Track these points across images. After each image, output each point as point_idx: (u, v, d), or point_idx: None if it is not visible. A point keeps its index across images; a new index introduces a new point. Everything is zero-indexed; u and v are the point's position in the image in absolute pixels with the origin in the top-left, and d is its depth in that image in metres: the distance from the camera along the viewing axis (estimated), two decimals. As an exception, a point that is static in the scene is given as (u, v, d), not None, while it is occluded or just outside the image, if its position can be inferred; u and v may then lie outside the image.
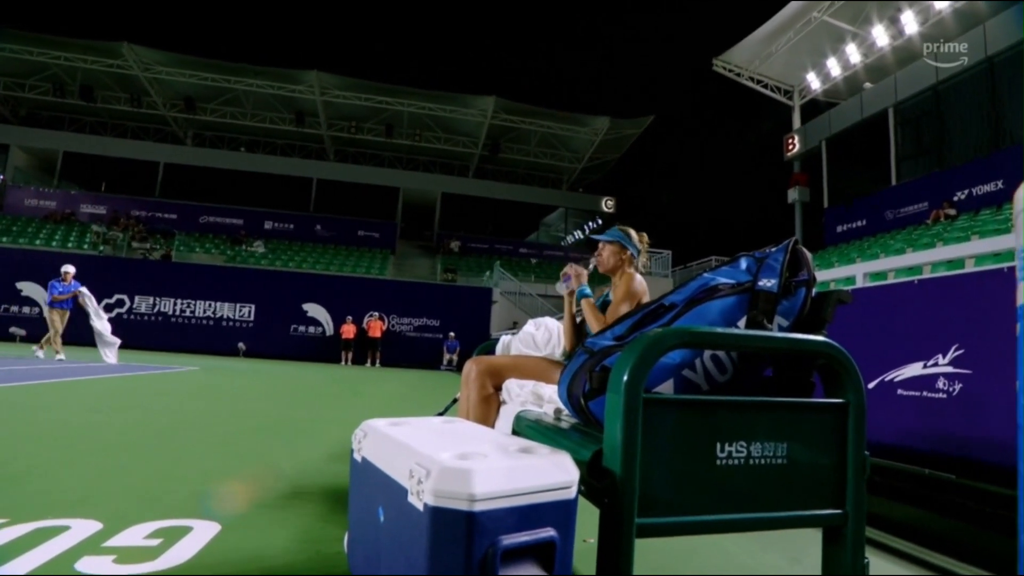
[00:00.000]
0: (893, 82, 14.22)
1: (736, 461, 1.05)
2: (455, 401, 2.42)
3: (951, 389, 2.60)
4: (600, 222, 27.01)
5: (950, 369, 2.62)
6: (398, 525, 0.93)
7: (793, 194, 17.90)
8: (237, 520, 1.60)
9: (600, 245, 2.12)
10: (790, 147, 18.12)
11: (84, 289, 8.56)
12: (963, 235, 8.37)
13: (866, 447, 1.14)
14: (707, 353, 1.18)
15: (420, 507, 0.84)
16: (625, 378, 0.99)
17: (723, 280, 1.36)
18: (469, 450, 0.95)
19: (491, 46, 44.97)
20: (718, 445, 1.04)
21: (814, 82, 17.44)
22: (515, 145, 24.98)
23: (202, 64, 20.55)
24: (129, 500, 1.71)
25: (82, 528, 1.42)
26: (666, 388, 1.17)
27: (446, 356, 15.55)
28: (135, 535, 1.41)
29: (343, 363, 15.07)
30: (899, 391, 2.75)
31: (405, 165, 25.50)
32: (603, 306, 2.04)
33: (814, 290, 1.31)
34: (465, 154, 25.21)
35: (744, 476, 1.05)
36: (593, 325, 1.88)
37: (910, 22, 13.84)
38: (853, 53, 15.64)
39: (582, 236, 28.52)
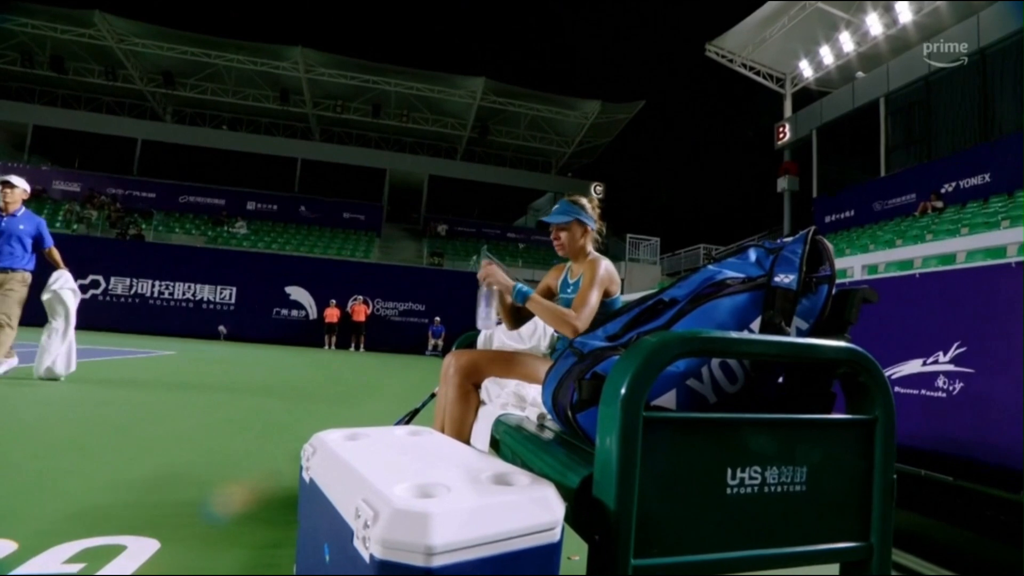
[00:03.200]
0: (886, 71, 14.11)
1: (749, 489, 0.90)
2: (433, 396, 2.25)
3: (952, 388, 2.49)
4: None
5: (951, 367, 2.51)
6: (344, 571, 0.76)
7: (782, 183, 17.84)
8: (179, 536, 1.42)
9: (554, 230, 1.86)
10: (781, 135, 18.01)
11: None
12: (953, 228, 8.34)
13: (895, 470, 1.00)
14: (715, 360, 1.02)
15: (366, 557, 0.67)
16: (623, 391, 0.82)
17: (731, 274, 1.19)
18: (431, 480, 0.78)
19: (481, 25, 44.09)
20: (729, 471, 0.89)
21: (807, 70, 17.28)
22: (504, 128, 24.58)
23: (181, 37, 19.75)
24: (59, 513, 1.52)
25: (-8, 550, 1.23)
26: (667, 400, 1.01)
27: (431, 341, 15.37)
28: (53, 558, 1.22)
29: (327, 347, 14.82)
30: (896, 389, 2.64)
31: (392, 146, 24.97)
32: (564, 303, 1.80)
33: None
34: (453, 136, 24.76)
35: (758, 507, 0.90)
36: (556, 323, 1.59)
37: (904, 11, 13.70)
38: (847, 41, 15.49)
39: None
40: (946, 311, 2.60)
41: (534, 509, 0.74)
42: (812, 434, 0.96)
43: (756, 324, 1.06)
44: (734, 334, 0.99)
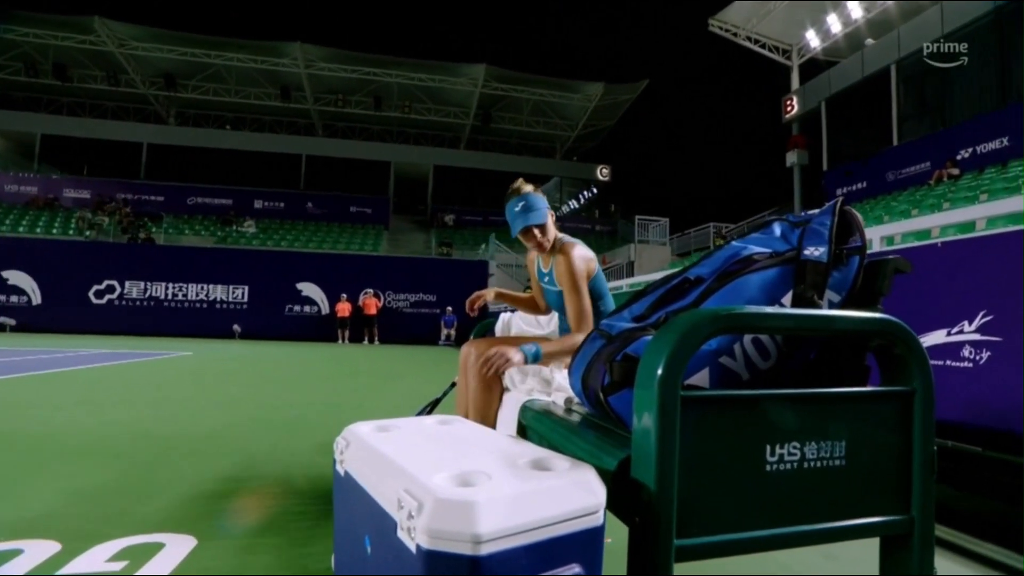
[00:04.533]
0: (896, 37, 13.75)
1: (789, 466, 0.89)
2: (453, 385, 2.26)
3: (978, 358, 2.45)
4: (595, 191, 26.64)
5: (977, 337, 2.46)
6: (387, 562, 0.76)
7: (792, 157, 17.55)
8: (215, 532, 1.44)
9: (535, 232, 1.66)
10: (788, 109, 17.67)
11: None
12: (971, 195, 8.15)
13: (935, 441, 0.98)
14: (748, 336, 1.00)
15: (412, 548, 0.67)
16: (660, 372, 0.81)
17: (757, 249, 1.17)
18: (470, 468, 0.78)
19: (480, 11, 43.54)
20: (768, 448, 0.87)
21: (813, 40, 16.89)
22: (507, 114, 24.38)
23: (179, 38, 19.75)
24: (96, 513, 1.54)
25: (36, 551, 1.26)
26: (700, 379, 1.00)
27: (444, 331, 15.43)
28: (97, 557, 1.25)
29: (340, 342, 14.95)
30: (922, 360, 2.60)
31: (395, 138, 24.91)
32: (554, 297, 1.76)
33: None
34: (456, 125, 24.62)
35: (797, 483, 0.89)
36: (573, 350, 1.45)
37: (914, -27, 13.30)
38: (855, 8, 15.09)
39: (577, 205, 28.17)
40: (971, 279, 2.55)
41: (577, 493, 0.74)
42: (850, 408, 0.94)
43: (787, 299, 1.04)
44: (768, 309, 0.97)
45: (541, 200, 1.69)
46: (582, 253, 1.67)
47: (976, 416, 2.41)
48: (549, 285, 1.78)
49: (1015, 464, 2.10)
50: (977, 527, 1.86)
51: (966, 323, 2.54)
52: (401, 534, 0.70)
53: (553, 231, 1.72)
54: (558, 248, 1.68)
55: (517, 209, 1.66)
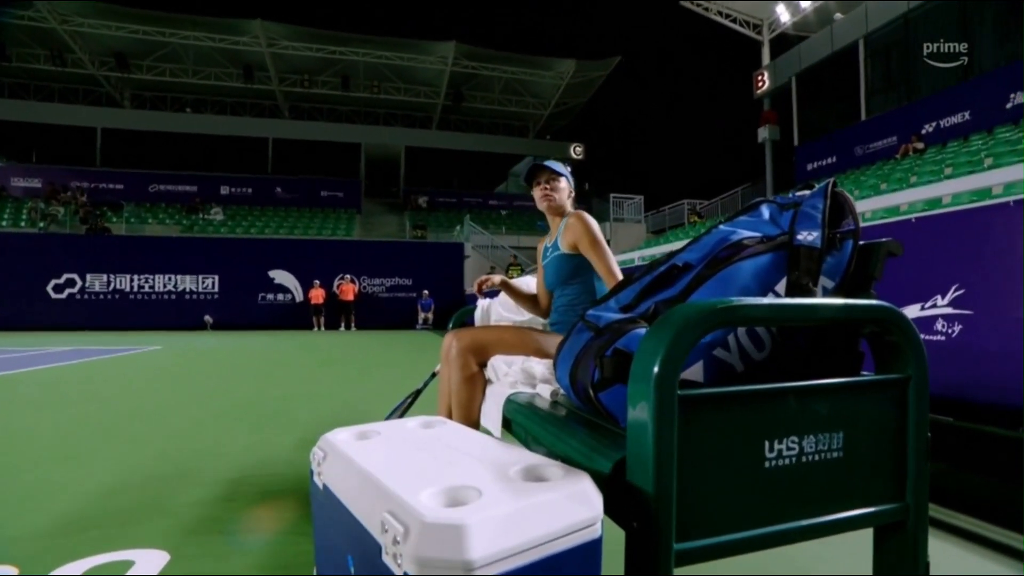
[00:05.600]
0: (864, 11, 13.88)
1: (787, 460, 0.86)
2: (434, 375, 2.20)
3: (951, 331, 2.50)
4: (570, 169, 26.51)
5: (950, 310, 2.51)
6: (372, 586, 0.71)
7: (763, 133, 17.72)
8: (190, 544, 1.36)
9: (546, 177, 1.81)
10: (759, 84, 17.78)
11: None
12: (936, 168, 8.36)
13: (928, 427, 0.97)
14: (742, 327, 0.97)
15: (399, 574, 0.62)
16: (656, 370, 0.76)
17: (747, 233, 1.13)
18: (458, 482, 0.73)
19: (447, -14, 42.35)
20: (767, 444, 0.85)
21: (783, 15, 16.94)
22: (478, 93, 23.95)
23: (129, 15, 18.66)
24: (56, 531, 1.45)
25: (-11, 579, 1.17)
26: (694, 373, 0.96)
27: (421, 315, 15.30)
28: (58, 581, 1.16)
29: (316, 329, 14.70)
30: (895, 334, 2.65)
31: (365, 119, 24.25)
32: (549, 268, 1.79)
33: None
34: (427, 105, 24.09)
35: (795, 477, 0.87)
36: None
37: (881, -54, 13.37)
38: (824, -19, 15.15)
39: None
40: (943, 254, 2.59)
41: (573, 506, 0.69)
42: (847, 398, 0.92)
43: (781, 286, 1.01)
44: (767, 300, 0.93)
45: (566, 169, 1.85)
46: (591, 217, 1.73)
47: (949, 388, 2.46)
48: (553, 252, 1.78)
49: (989, 434, 2.16)
50: (951, 498, 1.91)
51: (939, 297, 2.59)
52: (387, 559, 0.65)
53: (566, 200, 1.82)
54: (571, 214, 1.75)
55: (544, 160, 1.84)
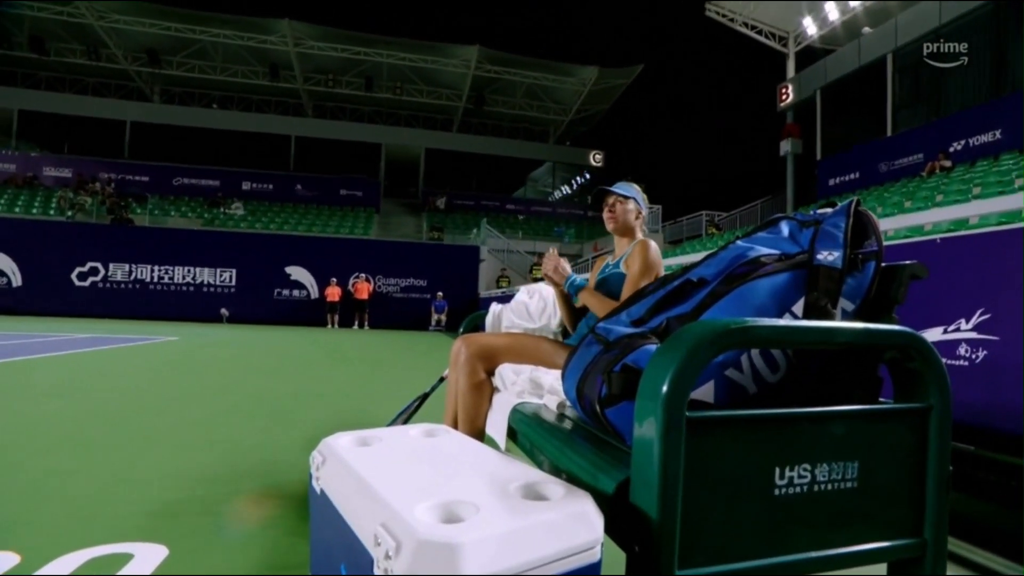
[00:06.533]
0: (894, 26, 13.64)
1: (798, 489, 0.83)
2: (442, 380, 2.19)
3: (974, 356, 2.42)
4: (588, 176, 26.46)
5: (974, 335, 2.43)
6: (364, 598, 0.69)
7: (785, 146, 17.48)
8: (190, 539, 1.37)
9: (612, 200, 1.82)
10: (783, 97, 17.56)
11: None
12: (964, 188, 8.15)
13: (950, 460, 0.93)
14: (756, 348, 0.94)
15: (389, 591, 0.60)
16: (665, 388, 0.74)
17: (765, 251, 1.10)
18: (455, 496, 0.71)
19: (473, -9, 42.64)
20: (777, 470, 0.81)
21: (810, 28, 16.72)
22: (500, 97, 24.03)
23: (163, 12, 19.11)
24: (62, 519, 1.46)
25: (-8, 564, 1.18)
26: (705, 393, 0.93)
27: (434, 316, 15.34)
28: (57, 571, 1.17)
29: (329, 326, 14.82)
30: (917, 357, 2.57)
31: (386, 120, 24.47)
32: (605, 281, 1.77)
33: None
34: (448, 107, 24.23)
35: (807, 507, 0.83)
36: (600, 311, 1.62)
37: (914, -40, 13.14)
38: (853, -6, 14.94)
39: (570, 191, 27.97)
40: (969, 277, 2.51)
41: (573, 527, 0.67)
42: (864, 426, 0.88)
43: (798, 307, 0.98)
44: (783, 322, 0.90)
45: (631, 188, 1.86)
46: (657, 250, 1.72)
47: (971, 415, 2.38)
48: (612, 269, 1.79)
49: (1011, 465, 2.08)
50: (969, 531, 1.84)
51: (963, 321, 2.51)
52: (378, 572, 0.63)
53: (636, 224, 1.83)
54: (641, 239, 1.76)
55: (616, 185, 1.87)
